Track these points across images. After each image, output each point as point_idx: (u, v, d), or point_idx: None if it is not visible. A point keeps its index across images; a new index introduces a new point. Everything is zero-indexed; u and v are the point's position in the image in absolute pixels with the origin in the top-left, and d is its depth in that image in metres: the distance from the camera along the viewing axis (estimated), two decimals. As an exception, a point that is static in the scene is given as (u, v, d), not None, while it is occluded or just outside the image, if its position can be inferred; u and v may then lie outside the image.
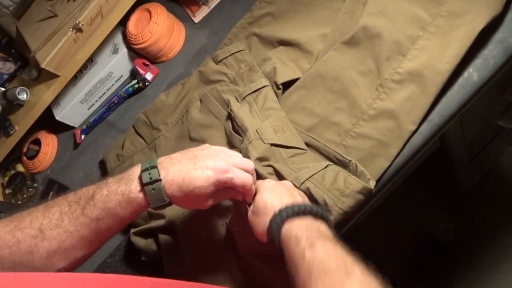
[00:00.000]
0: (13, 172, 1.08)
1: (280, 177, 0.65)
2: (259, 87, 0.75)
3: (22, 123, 0.92)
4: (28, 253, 0.47)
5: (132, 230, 0.78)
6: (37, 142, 1.06)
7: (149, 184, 0.49)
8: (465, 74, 0.66)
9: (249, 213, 0.57)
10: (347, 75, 0.70)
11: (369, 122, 0.68)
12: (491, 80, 0.65)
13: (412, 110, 0.65)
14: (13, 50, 0.93)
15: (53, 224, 0.48)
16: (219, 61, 0.84)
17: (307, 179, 0.63)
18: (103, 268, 0.85)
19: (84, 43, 0.85)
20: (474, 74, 0.65)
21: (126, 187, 0.50)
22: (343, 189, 0.62)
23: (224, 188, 0.53)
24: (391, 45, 0.67)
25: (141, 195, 0.50)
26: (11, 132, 0.92)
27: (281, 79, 0.75)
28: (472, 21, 0.63)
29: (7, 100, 0.88)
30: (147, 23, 0.91)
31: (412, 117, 0.65)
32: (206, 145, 0.56)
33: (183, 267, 0.71)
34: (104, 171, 0.94)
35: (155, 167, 0.50)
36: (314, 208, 0.52)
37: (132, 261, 0.83)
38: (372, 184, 0.62)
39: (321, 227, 0.50)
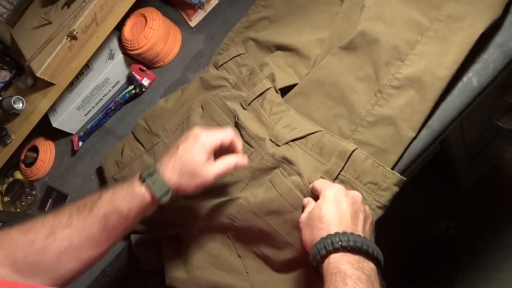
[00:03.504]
0: (11, 179, 1.08)
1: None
2: (262, 90, 0.74)
3: (18, 132, 0.91)
4: (41, 253, 0.50)
5: (136, 239, 0.77)
6: (35, 149, 1.05)
7: (148, 177, 0.55)
8: (465, 79, 0.65)
9: (304, 215, 0.56)
10: (345, 81, 0.70)
11: (368, 128, 0.67)
12: (491, 84, 0.64)
13: (412, 116, 0.64)
14: (8, 58, 0.93)
15: (63, 224, 0.52)
16: (220, 66, 0.83)
17: (339, 173, 0.63)
18: (103, 277, 0.84)
19: (79, 50, 0.85)
20: (473, 79, 0.64)
21: (129, 185, 0.55)
22: (379, 183, 0.62)
23: (219, 158, 0.59)
24: (389, 51, 0.66)
25: (143, 189, 0.55)
26: (7, 142, 0.91)
27: (279, 84, 0.75)
28: (471, 25, 0.62)
29: (3, 109, 0.87)
30: (142, 28, 0.90)
31: (411, 124, 0.64)
32: (184, 136, 0.61)
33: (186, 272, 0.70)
34: (102, 178, 0.93)
35: (152, 165, 0.57)
36: (370, 249, 0.48)
37: (132, 270, 0.83)
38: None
39: (371, 273, 0.47)
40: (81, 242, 0.52)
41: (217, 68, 0.83)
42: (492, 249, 1.29)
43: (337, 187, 0.57)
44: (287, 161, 0.67)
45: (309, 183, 0.63)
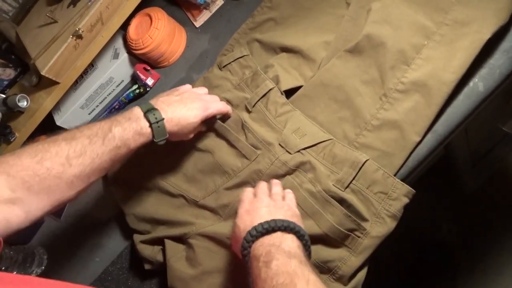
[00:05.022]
0: (14, 177, 1.08)
1: (318, 181, 0.66)
2: (265, 91, 0.74)
3: (22, 130, 0.91)
4: (57, 178, 0.57)
5: (139, 239, 0.77)
6: (38, 147, 1.05)
7: (156, 123, 0.63)
8: (471, 84, 0.65)
9: (232, 233, 0.61)
10: (350, 84, 0.70)
11: (373, 132, 0.67)
12: (497, 90, 0.64)
13: (417, 120, 0.64)
14: (13, 56, 0.92)
15: (77, 153, 0.58)
16: (223, 67, 0.82)
17: (351, 182, 0.64)
18: (105, 276, 0.84)
19: (84, 49, 0.84)
20: (479, 84, 0.64)
21: (137, 124, 0.62)
22: (389, 193, 0.63)
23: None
24: (395, 54, 0.66)
25: (149, 130, 0.63)
26: (11, 140, 0.91)
27: (284, 86, 0.74)
28: (478, 30, 0.62)
29: (8, 107, 0.87)
30: (147, 28, 0.90)
31: (416, 128, 0.64)
32: (181, 89, 0.72)
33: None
34: (104, 176, 0.93)
35: (155, 109, 0.64)
36: (281, 224, 0.54)
37: (135, 269, 0.83)
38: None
39: (285, 242, 0.52)
40: (92, 169, 0.59)
41: (220, 68, 0.83)
42: (493, 254, 1.28)
43: (247, 195, 0.64)
44: (302, 169, 0.67)
45: (323, 190, 0.65)
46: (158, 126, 0.63)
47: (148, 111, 0.63)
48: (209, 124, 0.74)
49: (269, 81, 0.75)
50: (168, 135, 0.64)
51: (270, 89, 0.74)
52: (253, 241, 0.54)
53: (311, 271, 0.47)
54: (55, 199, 0.58)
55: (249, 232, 0.54)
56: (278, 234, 0.54)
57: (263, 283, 0.47)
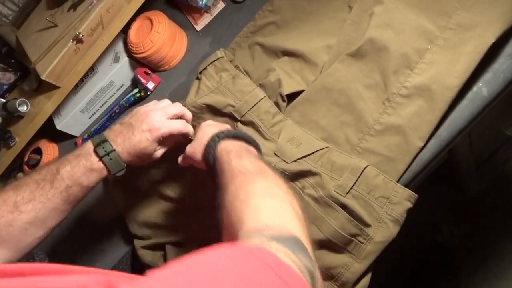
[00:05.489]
0: (14, 181, 1.07)
1: (321, 187, 0.65)
2: (256, 100, 0.72)
3: (22, 134, 0.90)
4: (8, 226, 0.55)
5: (140, 244, 0.77)
6: (38, 151, 1.04)
7: (106, 156, 0.59)
8: (475, 88, 0.64)
9: (188, 146, 0.61)
10: (352, 88, 0.69)
11: (376, 137, 0.66)
12: (501, 94, 0.64)
13: (420, 125, 0.64)
14: (13, 60, 0.92)
15: (26, 199, 0.56)
16: (200, 73, 0.79)
17: (351, 188, 0.63)
18: (106, 281, 0.84)
19: (84, 53, 0.84)
20: (483, 89, 0.64)
21: (86, 161, 0.59)
22: (390, 197, 0.62)
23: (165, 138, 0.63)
24: (398, 59, 0.66)
25: (101, 165, 0.60)
26: (11, 144, 0.91)
27: (286, 91, 0.74)
28: (482, 34, 0.62)
29: (7, 112, 0.86)
30: (148, 32, 0.90)
31: (420, 133, 0.64)
32: (135, 110, 0.65)
33: None
34: (105, 181, 0.93)
35: (106, 140, 0.60)
36: (247, 136, 0.58)
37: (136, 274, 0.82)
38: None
39: (251, 149, 0.57)
40: (46, 213, 0.57)
41: (197, 76, 0.80)
42: (495, 257, 1.28)
43: (210, 121, 0.65)
44: (302, 175, 0.66)
45: (325, 195, 0.64)
46: (110, 159, 0.59)
47: (98, 145, 0.60)
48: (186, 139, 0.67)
49: (258, 89, 0.73)
50: (125, 165, 0.61)
51: (261, 99, 0.72)
52: (220, 141, 0.56)
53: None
54: (12, 248, 0.56)
55: (221, 132, 0.57)
56: (242, 142, 0.57)
57: (233, 168, 0.49)
